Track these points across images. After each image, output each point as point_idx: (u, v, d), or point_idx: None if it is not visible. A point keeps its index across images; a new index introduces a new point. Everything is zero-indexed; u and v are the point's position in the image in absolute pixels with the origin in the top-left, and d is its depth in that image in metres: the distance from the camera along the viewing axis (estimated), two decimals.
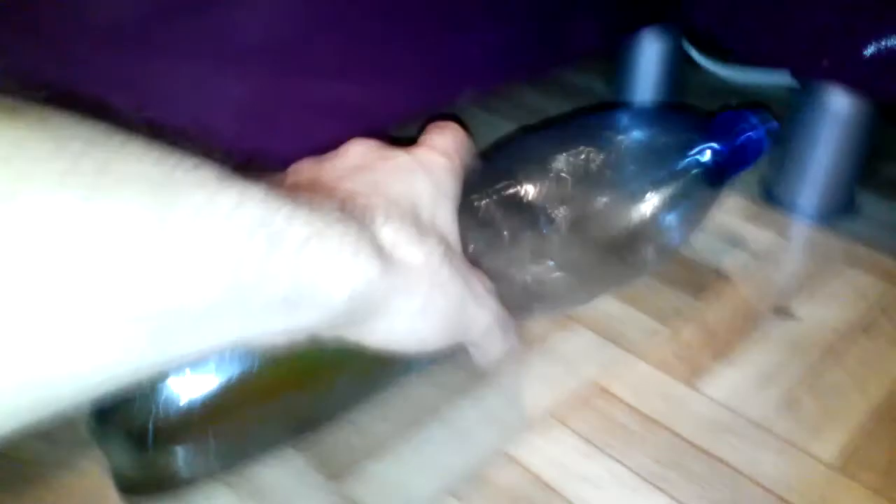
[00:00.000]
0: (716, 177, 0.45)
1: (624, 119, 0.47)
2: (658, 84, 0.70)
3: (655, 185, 0.43)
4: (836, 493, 0.38)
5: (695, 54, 0.78)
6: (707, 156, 0.45)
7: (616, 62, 0.71)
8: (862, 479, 0.39)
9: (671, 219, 0.44)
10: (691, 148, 0.45)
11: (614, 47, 0.71)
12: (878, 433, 0.41)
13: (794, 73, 0.57)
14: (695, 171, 0.45)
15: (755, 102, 0.50)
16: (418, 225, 0.32)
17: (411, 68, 0.55)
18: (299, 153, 0.36)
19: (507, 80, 0.67)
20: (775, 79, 0.77)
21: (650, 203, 0.43)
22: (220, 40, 0.43)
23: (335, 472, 0.39)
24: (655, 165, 0.44)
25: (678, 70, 0.71)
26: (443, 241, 0.33)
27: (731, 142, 0.46)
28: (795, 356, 0.46)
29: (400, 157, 0.34)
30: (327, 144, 0.36)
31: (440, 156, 0.36)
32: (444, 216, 0.34)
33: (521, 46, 0.61)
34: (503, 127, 0.71)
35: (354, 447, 0.40)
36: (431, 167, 0.35)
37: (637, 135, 0.44)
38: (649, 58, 0.69)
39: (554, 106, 0.76)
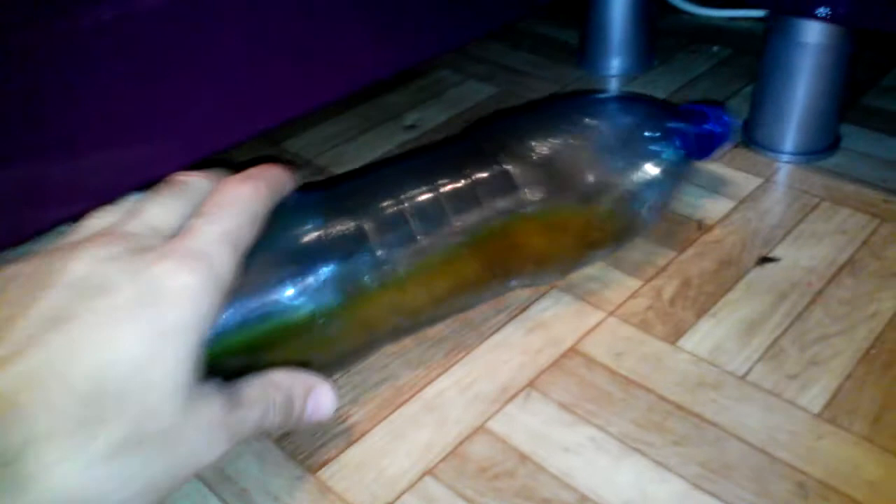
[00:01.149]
0: (682, 160, 0.47)
1: (600, 105, 0.49)
2: (630, 30, 0.68)
3: (630, 166, 0.45)
4: (824, 444, 0.37)
5: None
6: (675, 141, 0.46)
7: (586, 10, 0.69)
8: (851, 427, 0.38)
9: (643, 194, 0.45)
10: (661, 133, 0.46)
11: None
12: (866, 379, 0.40)
13: (773, 9, 0.54)
14: (664, 154, 0.46)
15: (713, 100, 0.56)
16: (107, 433, 0.27)
17: (371, 31, 0.53)
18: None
19: (474, 35, 0.65)
20: (750, 15, 0.76)
21: (627, 182, 0.44)
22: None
23: (314, 461, 0.38)
24: (629, 149, 0.45)
25: (649, 14, 0.69)
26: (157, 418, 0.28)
27: (696, 130, 0.49)
28: (780, 304, 0.45)
29: (114, 293, 0.28)
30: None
31: (191, 271, 0.30)
32: (164, 384, 0.28)
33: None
34: (476, 88, 0.70)
35: (331, 434, 0.40)
36: (163, 305, 0.29)
37: (612, 120, 0.46)
38: (619, 2, 0.67)
39: (526, 62, 0.74)
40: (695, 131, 0.49)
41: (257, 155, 0.62)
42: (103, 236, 0.30)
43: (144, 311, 0.28)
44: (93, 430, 0.26)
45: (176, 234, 0.32)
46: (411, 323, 0.42)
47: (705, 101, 0.55)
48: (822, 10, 0.49)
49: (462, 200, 0.40)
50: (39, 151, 0.40)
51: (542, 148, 0.43)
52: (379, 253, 0.38)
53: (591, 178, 0.43)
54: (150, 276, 0.29)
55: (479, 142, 0.44)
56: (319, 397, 0.35)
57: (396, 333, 0.42)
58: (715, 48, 0.73)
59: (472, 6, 0.58)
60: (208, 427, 0.30)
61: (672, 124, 0.47)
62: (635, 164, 0.45)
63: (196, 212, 0.33)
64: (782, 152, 0.57)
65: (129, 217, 0.32)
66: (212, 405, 0.30)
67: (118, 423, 0.27)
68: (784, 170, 0.56)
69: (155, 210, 0.32)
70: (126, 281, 0.28)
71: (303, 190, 0.40)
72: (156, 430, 0.28)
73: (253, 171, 0.36)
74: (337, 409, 0.40)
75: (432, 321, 0.43)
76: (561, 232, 0.44)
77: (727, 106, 0.53)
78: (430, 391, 0.41)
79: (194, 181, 0.35)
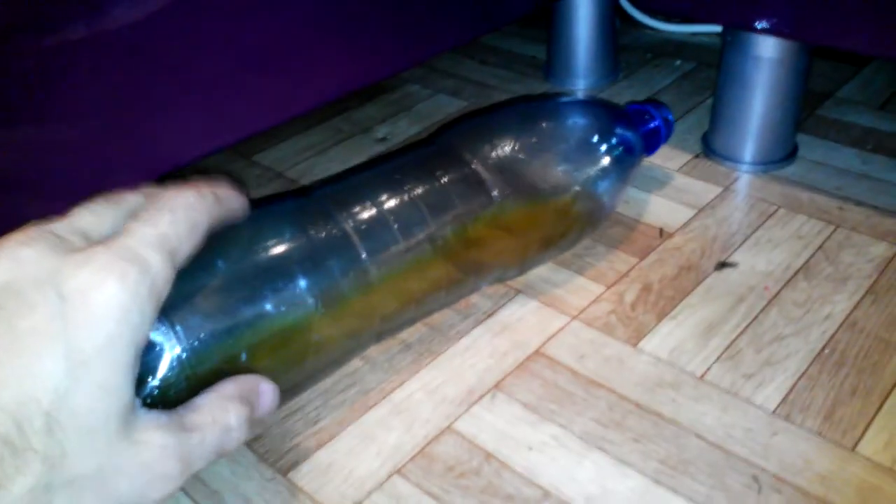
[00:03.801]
0: (631, 156, 0.50)
1: (558, 108, 0.51)
2: (595, 45, 0.70)
3: (585, 162, 0.47)
4: (779, 439, 0.39)
5: (634, 11, 0.78)
6: (623, 139, 0.49)
7: (553, 26, 0.71)
8: (804, 423, 0.39)
9: (599, 190, 0.48)
10: (611, 132, 0.49)
11: (548, 8, 0.70)
12: (819, 377, 0.42)
13: (725, 25, 0.56)
14: (615, 151, 0.48)
15: (654, 99, 0.59)
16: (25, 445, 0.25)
17: (342, 44, 0.54)
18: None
19: (441, 49, 0.67)
20: (711, 30, 0.78)
21: (581, 177, 0.47)
22: None
23: (285, 463, 0.39)
24: (585, 147, 0.48)
25: (613, 30, 0.71)
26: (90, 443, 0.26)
27: (642, 128, 0.53)
28: (737, 307, 0.46)
29: (33, 310, 0.25)
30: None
31: (119, 278, 0.26)
32: (96, 395, 0.26)
33: (452, 12, 0.61)
34: (445, 102, 0.71)
35: (303, 436, 0.40)
36: (86, 324, 0.26)
37: (567, 121, 0.49)
38: (584, 18, 0.68)
39: (493, 76, 0.76)
40: (642, 129, 0.52)
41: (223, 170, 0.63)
42: (24, 235, 0.27)
43: (66, 331, 0.25)
44: (10, 478, 0.24)
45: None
46: (393, 324, 0.43)
47: (649, 100, 0.57)
48: (762, 24, 0.52)
49: (438, 201, 0.42)
50: (10, 155, 0.41)
51: (507, 148, 0.45)
52: (363, 256, 0.39)
53: (553, 173, 0.45)
54: (74, 287, 0.26)
55: (446, 144, 0.46)
56: (265, 396, 0.33)
57: (380, 336, 0.43)
58: (677, 62, 0.75)
59: (439, 21, 0.60)
60: (154, 459, 0.27)
61: (621, 123, 0.50)
62: (592, 160, 0.47)
63: (132, 215, 0.30)
64: (741, 162, 0.58)
65: (56, 220, 0.29)
66: (156, 434, 0.28)
67: (39, 467, 0.25)
68: (743, 179, 0.58)
69: (85, 215, 0.29)
70: (46, 293, 0.26)
71: (278, 199, 0.41)
72: (84, 469, 0.26)
73: (200, 182, 0.33)
74: (307, 413, 0.41)
75: (412, 321, 0.44)
76: (530, 225, 0.46)
77: (671, 106, 0.56)
78: (398, 395, 0.42)
79: (131, 196, 0.31)
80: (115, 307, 0.26)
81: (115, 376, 0.26)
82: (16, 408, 0.24)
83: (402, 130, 0.67)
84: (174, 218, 0.30)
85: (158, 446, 0.28)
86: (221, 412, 0.31)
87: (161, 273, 0.28)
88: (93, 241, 0.28)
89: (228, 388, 0.32)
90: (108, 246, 0.27)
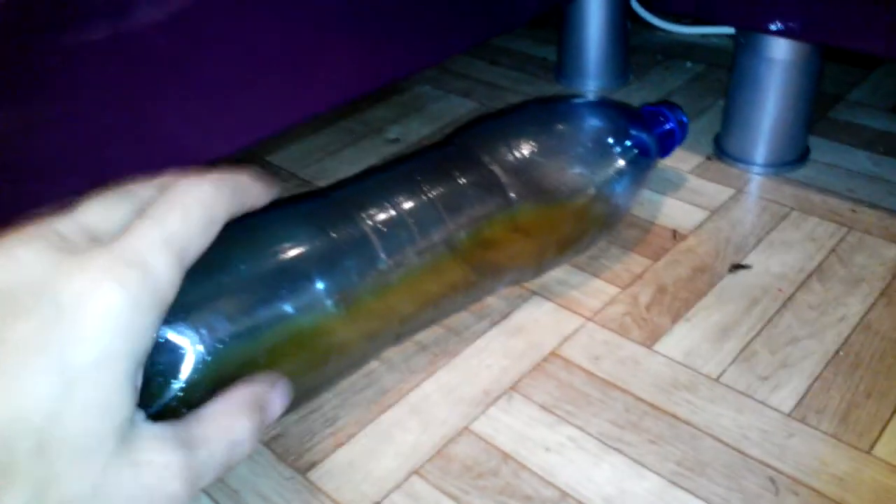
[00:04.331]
0: (646, 158, 0.51)
1: (572, 110, 0.51)
2: (605, 47, 0.70)
3: (601, 164, 0.47)
4: (795, 441, 0.39)
5: (644, 13, 0.78)
6: (638, 141, 0.50)
7: (563, 28, 0.71)
8: (820, 425, 0.39)
9: (615, 192, 0.48)
10: (626, 134, 0.49)
11: (559, 10, 0.71)
12: (835, 379, 0.42)
13: (738, 26, 0.57)
14: (630, 153, 0.49)
15: (668, 101, 0.58)
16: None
17: (356, 46, 0.55)
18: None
19: (454, 51, 0.67)
20: (721, 31, 0.78)
21: (598, 179, 0.47)
22: None
23: (303, 462, 0.39)
24: (598, 149, 0.48)
25: (624, 33, 0.71)
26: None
27: (657, 130, 0.53)
28: (752, 309, 0.46)
29: (25, 317, 0.24)
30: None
31: (119, 291, 0.24)
32: (94, 411, 0.24)
33: (464, 15, 0.61)
34: (456, 103, 0.72)
35: (321, 436, 0.41)
36: (80, 335, 0.24)
37: (584, 124, 0.49)
38: (595, 20, 0.69)
39: (505, 78, 0.76)
40: (657, 131, 0.53)
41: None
42: (24, 233, 0.26)
43: (60, 343, 0.23)
44: None
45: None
46: (412, 326, 0.43)
47: (663, 101, 0.57)
48: (775, 25, 0.52)
49: (456, 203, 0.42)
50: (25, 150, 0.41)
51: (525, 150, 0.45)
52: (382, 256, 0.39)
53: (571, 176, 0.46)
54: (70, 294, 0.24)
55: (464, 146, 0.46)
56: (275, 401, 0.32)
57: (398, 337, 0.43)
58: (688, 64, 0.75)
59: (451, 23, 0.60)
60: (157, 480, 0.26)
61: (636, 125, 0.50)
62: (608, 163, 0.47)
63: (141, 211, 0.28)
64: (753, 164, 0.59)
65: (62, 217, 0.27)
66: (159, 451, 0.26)
67: (29, 490, 0.23)
68: (755, 181, 0.58)
69: (92, 210, 0.28)
70: (42, 299, 0.24)
71: (296, 200, 0.41)
72: (77, 492, 0.24)
73: (217, 172, 0.31)
74: (325, 413, 0.42)
75: (430, 323, 0.45)
76: (548, 227, 0.46)
77: (685, 109, 0.56)
78: (415, 395, 0.43)
79: (142, 189, 0.30)
80: (113, 317, 0.24)
81: (112, 393, 0.24)
82: (4, 427, 0.23)
83: (414, 131, 0.68)
84: (186, 215, 0.28)
85: (162, 465, 0.26)
86: (230, 423, 0.29)
87: (166, 278, 0.26)
88: (97, 241, 0.26)
89: (238, 396, 0.30)
90: (111, 248, 0.25)
